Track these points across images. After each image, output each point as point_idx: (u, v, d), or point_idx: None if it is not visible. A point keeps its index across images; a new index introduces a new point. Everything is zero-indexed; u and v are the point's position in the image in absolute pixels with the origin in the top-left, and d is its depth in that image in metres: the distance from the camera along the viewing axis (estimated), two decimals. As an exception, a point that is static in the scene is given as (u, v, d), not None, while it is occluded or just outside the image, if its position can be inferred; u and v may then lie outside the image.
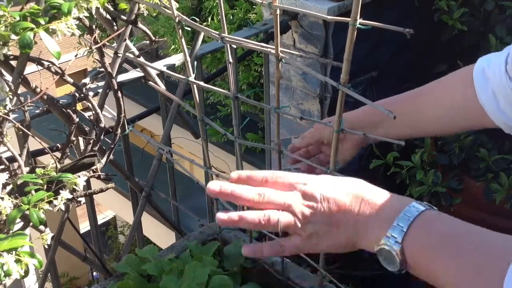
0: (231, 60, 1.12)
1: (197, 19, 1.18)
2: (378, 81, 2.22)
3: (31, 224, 1.06)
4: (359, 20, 0.88)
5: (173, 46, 3.30)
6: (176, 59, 1.68)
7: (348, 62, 0.95)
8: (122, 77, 1.53)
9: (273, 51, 1.02)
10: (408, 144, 2.14)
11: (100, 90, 1.44)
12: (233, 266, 1.28)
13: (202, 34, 1.60)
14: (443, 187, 1.94)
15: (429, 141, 2.05)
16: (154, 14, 1.44)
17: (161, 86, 1.54)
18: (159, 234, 3.25)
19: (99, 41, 1.23)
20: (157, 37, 1.55)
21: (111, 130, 1.39)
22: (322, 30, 1.95)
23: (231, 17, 2.98)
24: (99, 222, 2.02)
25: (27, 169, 1.18)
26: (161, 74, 1.55)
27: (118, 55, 1.38)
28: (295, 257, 1.34)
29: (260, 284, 1.28)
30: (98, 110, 1.33)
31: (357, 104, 2.25)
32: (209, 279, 1.15)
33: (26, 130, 1.19)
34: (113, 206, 4.15)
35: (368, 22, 0.93)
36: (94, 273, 7.24)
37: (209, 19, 3.16)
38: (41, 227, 1.07)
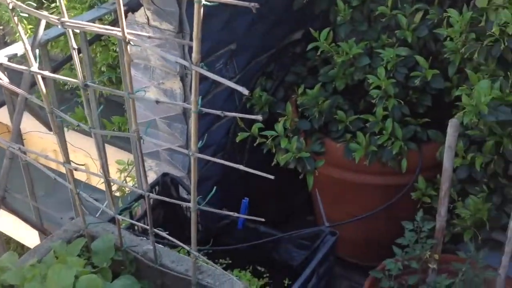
0: (75, 46, 1.05)
1: (42, 2, 1.08)
2: (237, 54, 2.22)
3: None
4: (204, -3, 0.86)
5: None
6: (18, 48, 1.54)
7: (198, 41, 0.93)
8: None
9: (120, 34, 0.97)
10: (271, 114, 2.18)
11: None
12: (102, 262, 1.22)
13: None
14: (307, 152, 2.00)
15: (290, 109, 2.10)
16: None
17: (4, 79, 1.41)
18: (30, 235, 3.05)
19: None
20: (1, 22, 1.42)
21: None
22: (175, 6, 1.90)
23: (81, -3, 2.81)
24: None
25: None
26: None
27: None
28: (169, 241, 1.32)
29: (133, 275, 1.24)
30: None
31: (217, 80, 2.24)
32: (76, 280, 1.09)
33: None
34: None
35: (212, -2, 0.91)
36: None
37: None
38: None
